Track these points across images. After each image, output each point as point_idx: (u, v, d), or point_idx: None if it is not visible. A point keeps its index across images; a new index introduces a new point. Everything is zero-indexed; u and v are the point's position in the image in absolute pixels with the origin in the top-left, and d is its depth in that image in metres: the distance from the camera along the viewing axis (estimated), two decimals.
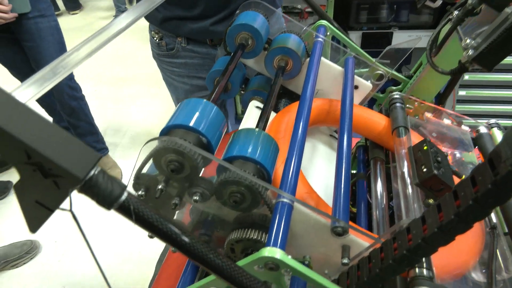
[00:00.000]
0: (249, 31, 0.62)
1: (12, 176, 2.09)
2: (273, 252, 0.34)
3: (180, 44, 1.05)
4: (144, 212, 0.26)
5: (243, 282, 0.29)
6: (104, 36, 0.45)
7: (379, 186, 0.71)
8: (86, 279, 1.61)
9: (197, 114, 0.42)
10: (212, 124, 0.42)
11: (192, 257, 0.27)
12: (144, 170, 0.43)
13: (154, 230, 0.26)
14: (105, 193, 0.24)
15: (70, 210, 0.28)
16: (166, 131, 0.42)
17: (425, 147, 0.58)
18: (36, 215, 0.27)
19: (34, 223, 0.28)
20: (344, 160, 0.50)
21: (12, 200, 1.97)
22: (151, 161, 0.41)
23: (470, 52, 0.39)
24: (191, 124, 0.40)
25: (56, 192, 0.24)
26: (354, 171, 0.91)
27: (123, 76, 3.04)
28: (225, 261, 0.28)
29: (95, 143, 1.95)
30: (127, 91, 2.85)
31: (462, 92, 1.42)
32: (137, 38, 3.26)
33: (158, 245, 1.67)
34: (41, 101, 1.94)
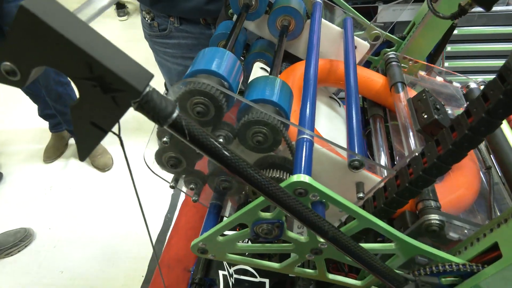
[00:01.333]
0: None
1: (3, 168, 2.05)
2: (302, 177, 0.36)
3: (172, 24, 1.02)
4: (195, 130, 0.28)
5: (285, 201, 0.31)
6: (86, 13, 0.46)
7: (380, 142, 0.74)
8: (83, 263, 1.61)
9: (217, 60, 0.44)
10: (231, 70, 0.44)
11: (238, 174, 0.30)
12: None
13: (204, 147, 0.28)
14: (160, 109, 0.26)
15: (119, 136, 0.30)
16: (190, 76, 0.43)
17: (424, 96, 0.61)
18: (88, 139, 0.28)
19: (84, 150, 0.30)
20: (353, 99, 0.53)
21: (4, 189, 1.94)
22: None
23: None
24: (213, 68, 0.42)
25: (113, 109, 0.26)
26: None
27: None
28: (269, 180, 0.30)
29: None
30: None
31: (448, 48, 1.45)
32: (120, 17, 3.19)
33: (153, 227, 1.67)
34: (26, 88, 1.90)
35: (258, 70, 0.68)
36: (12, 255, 1.67)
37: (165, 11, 1.01)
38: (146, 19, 1.05)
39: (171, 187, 0.51)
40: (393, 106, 0.71)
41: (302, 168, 0.38)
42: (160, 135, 0.45)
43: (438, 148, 0.37)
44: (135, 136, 1.84)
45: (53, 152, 2.13)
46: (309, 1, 0.74)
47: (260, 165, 0.46)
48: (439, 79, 0.79)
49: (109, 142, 2.24)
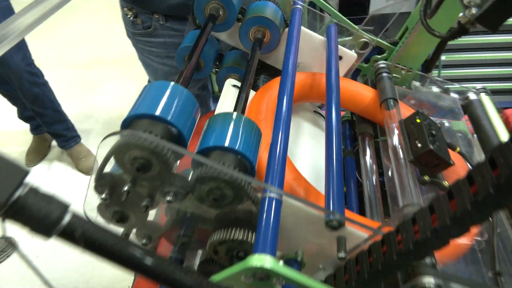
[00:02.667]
0: (219, 0, 0.55)
1: None
2: (262, 260, 0.29)
3: (157, 21, 0.92)
4: (99, 237, 0.20)
5: None
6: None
7: (369, 163, 0.67)
8: (67, 274, 1.55)
9: (163, 100, 0.36)
10: (182, 111, 0.36)
11: (166, 283, 0.22)
12: (107, 169, 0.37)
13: (114, 259, 0.20)
14: (39, 217, 0.19)
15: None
16: (129, 122, 0.35)
17: (417, 120, 0.54)
18: None
19: None
20: (334, 142, 0.45)
21: None
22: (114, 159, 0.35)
23: (474, 10, 0.34)
24: (157, 113, 0.34)
25: None
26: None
27: (89, 57, 2.87)
28: (199, 279, 0.23)
29: (65, 131, 1.84)
30: (95, 73, 2.70)
31: (442, 57, 1.38)
32: (97, 14, 3.07)
33: None
34: (2, 91, 1.80)
35: (230, 88, 0.60)
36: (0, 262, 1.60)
37: (148, 8, 0.91)
38: (128, 16, 0.95)
39: None
40: (384, 122, 0.64)
41: (267, 246, 0.30)
42: (99, 190, 0.38)
43: (432, 217, 0.30)
44: None
45: (36, 156, 2.04)
46: (289, 6, 0.65)
47: (221, 221, 0.38)
48: (435, 89, 0.71)
49: (93, 143, 2.16)
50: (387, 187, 0.64)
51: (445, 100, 0.71)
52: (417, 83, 0.71)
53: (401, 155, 0.55)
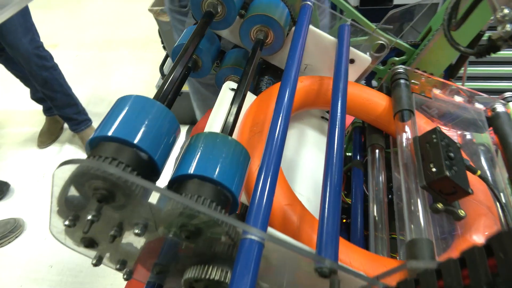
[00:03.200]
0: None
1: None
2: None
3: None
4: None
5: None
6: None
7: (377, 178, 0.61)
8: (73, 258, 1.56)
9: (135, 120, 0.31)
10: (156, 134, 0.32)
11: None
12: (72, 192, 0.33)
13: None
14: None
15: None
16: (95, 144, 0.31)
17: (434, 139, 0.48)
18: None
19: None
20: (333, 168, 0.40)
21: None
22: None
23: (509, 27, 0.28)
24: (125, 136, 0.30)
25: None
26: (349, 154, 0.81)
27: (105, 39, 2.85)
28: None
29: (75, 115, 1.83)
30: (111, 55, 2.68)
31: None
32: None
33: None
34: (15, 72, 1.79)
35: (227, 92, 0.55)
36: (2, 246, 1.63)
37: None
38: None
39: (94, 264, 0.39)
40: (396, 134, 0.58)
41: None
42: (62, 215, 0.34)
43: (438, 283, 0.25)
44: None
45: (48, 137, 2.05)
46: (298, 1, 0.59)
47: (198, 255, 0.34)
48: (458, 99, 0.64)
49: None
50: (396, 204, 0.58)
51: (468, 112, 0.64)
52: (437, 91, 0.64)
53: (413, 177, 0.49)
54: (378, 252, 0.56)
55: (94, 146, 0.31)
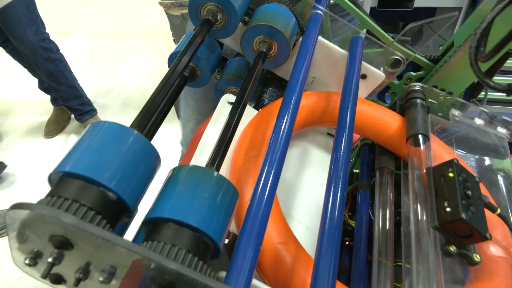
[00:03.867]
0: (217, 2, 0.45)
1: (3, 140, 1.99)
2: None
3: None
4: None
5: None
6: None
7: (384, 204, 0.56)
8: None
9: (104, 153, 0.27)
10: (130, 169, 0.27)
11: None
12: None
13: None
14: None
15: None
16: (57, 179, 0.27)
17: (450, 174, 0.43)
18: None
19: None
20: (336, 207, 0.35)
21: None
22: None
23: None
24: (90, 174, 0.26)
25: None
26: (356, 170, 0.76)
27: (117, 29, 2.82)
28: None
29: (80, 106, 1.81)
30: (121, 46, 2.65)
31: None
32: None
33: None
34: (22, 62, 1.78)
35: (225, 106, 0.51)
36: (2, 237, 1.62)
37: None
38: None
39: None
40: (408, 158, 0.53)
41: None
42: (23, 250, 0.30)
43: None
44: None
45: (55, 127, 2.04)
46: (309, 8, 0.54)
47: None
48: (478, 122, 0.59)
49: (110, 119, 2.12)
50: (403, 229, 0.53)
51: (489, 136, 0.58)
52: (456, 112, 0.58)
53: (424, 213, 0.44)
54: (380, 280, 0.51)
55: (56, 181, 0.27)
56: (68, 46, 2.31)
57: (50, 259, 0.27)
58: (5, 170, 1.80)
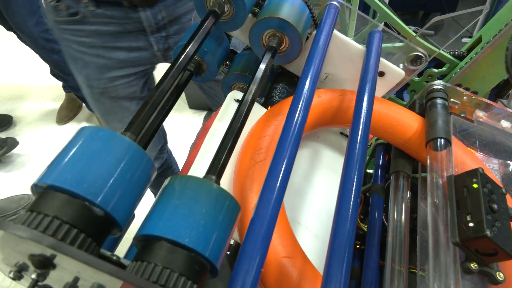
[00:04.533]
0: None
1: (16, 126, 2.00)
2: None
3: (86, 7, 0.76)
4: None
5: None
6: None
7: (399, 210, 0.53)
8: None
9: (90, 164, 0.24)
10: (119, 182, 0.25)
11: None
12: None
13: None
14: None
15: None
16: (40, 192, 0.25)
17: (475, 185, 0.39)
18: None
19: None
20: (349, 216, 0.32)
21: (11, 154, 1.90)
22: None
23: None
24: (73, 187, 0.23)
25: None
26: (370, 171, 0.73)
27: None
28: None
29: None
30: None
31: None
32: None
33: None
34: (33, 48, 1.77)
35: (231, 103, 0.48)
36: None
37: None
38: (48, 0, 0.78)
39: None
40: (426, 163, 0.49)
41: None
42: (8, 262, 0.28)
43: None
44: None
45: (66, 114, 2.04)
46: (323, 1, 0.50)
47: None
48: (505, 124, 0.54)
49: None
50: (419, 241, 0.50)
51: None
52: (481, 113, 0.54)
53: (443, 226, 0.41)
54: (394, 287, 0.49)
55: (38, 193, 0.25)
56: None
57: (33, 276, 0.25)
58: (17, 155, 1.82)
